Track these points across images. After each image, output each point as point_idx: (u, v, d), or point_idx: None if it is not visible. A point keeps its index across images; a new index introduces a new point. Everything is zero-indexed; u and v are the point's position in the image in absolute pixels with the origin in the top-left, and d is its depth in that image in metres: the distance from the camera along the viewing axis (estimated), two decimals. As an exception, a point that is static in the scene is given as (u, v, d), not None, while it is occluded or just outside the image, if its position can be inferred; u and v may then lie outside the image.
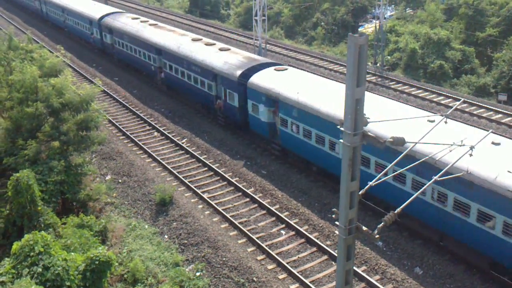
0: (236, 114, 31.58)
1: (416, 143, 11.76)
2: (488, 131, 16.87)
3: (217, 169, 28.19)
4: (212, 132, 33.55)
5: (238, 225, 22.93)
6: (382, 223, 9.74)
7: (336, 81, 34.31)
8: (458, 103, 14.36)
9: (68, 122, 25.04)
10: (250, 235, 22.14)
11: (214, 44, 37.26)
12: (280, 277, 19.69)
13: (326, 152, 24.49)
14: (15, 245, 16.43)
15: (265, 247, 21.27)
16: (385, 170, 10.91)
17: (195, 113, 36.96)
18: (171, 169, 28.51)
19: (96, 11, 53.21)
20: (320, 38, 59.39)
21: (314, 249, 21.36)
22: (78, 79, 44.11)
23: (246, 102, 30.36)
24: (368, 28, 59.54)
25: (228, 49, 35.62)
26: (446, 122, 19.92)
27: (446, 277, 19.30)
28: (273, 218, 23.67)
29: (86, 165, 26.07)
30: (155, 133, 34.24)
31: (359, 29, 60.11)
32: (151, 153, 30.77)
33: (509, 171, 17.31)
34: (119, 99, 40.34)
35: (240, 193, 25.98)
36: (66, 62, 38.69)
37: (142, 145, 31.92)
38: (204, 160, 29.37)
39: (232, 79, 31.17)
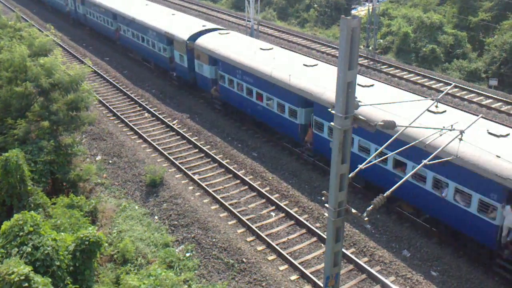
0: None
1: (407, 126, 11.81)
2: (478, 115, 16.99)
3: (208, 151, 28.17)
4: (204, 114, 33.44)
5: (229, 206, 23.00)
6: (371, 206, 9.81)
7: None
8: (449, 87, 14.40)
9: (58, 102, 24.81)
10: (240, 216, 22.23)
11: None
12: (270, 258, 19.85)
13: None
14: (4, 225, 16.37)
15: (255, 228, 21.39)
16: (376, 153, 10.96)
17: (187, 94, 36.77)
18: (162, 151, 28.45)
19: None
20: (312, 20, 59.02)
21: (304, 231, 21.51)
22: (68, 58, 43.65)
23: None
24: (361, 11, 59.29)
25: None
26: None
27: (433, 259, 19.54)
28: (263, 200, 23.77)
29: (76, 145, 25.95)
30: (146, 114, 34.07)
31: (352, 12, 59.81)
32: (142, 134, 30.65)
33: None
34: (109, 80, 40.01)
35: (230, 175, 26.02)
36: (56, 41, 38.23)
37: (133, 126, 31.77)
38: (195, 142, 29.32)
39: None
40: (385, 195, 9.88)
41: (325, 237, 12.77)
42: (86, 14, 52.15)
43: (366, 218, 9.85)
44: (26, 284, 14.10)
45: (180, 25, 37.12)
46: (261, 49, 30.34)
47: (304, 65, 27.22)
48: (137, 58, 44.14)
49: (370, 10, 46.41)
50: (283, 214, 22.67)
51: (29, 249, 15.77)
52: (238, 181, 25.48)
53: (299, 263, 19.37)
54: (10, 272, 14.17)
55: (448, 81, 37.66)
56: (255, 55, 29.35)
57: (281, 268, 19.33)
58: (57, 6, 61.58)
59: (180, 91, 37.33)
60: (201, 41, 33.21)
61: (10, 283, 14.01)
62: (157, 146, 28.98)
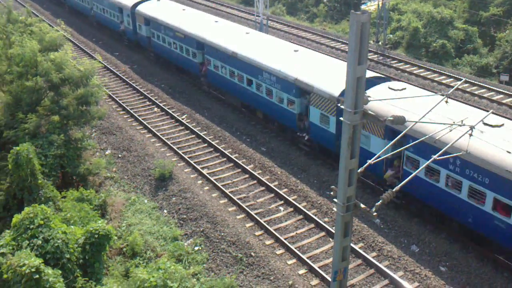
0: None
1: (417, 122, 11.78)
2: (488, 111, 16.86)
3: (216, 145, 28.24)
4: (212, 109, 33.49)
5: (237, 201, 23.07)
6: (380, 201, 9.82)
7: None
8: (459, 82, 14.32)
9: (68, 97, 24.99)
10: (249, 210, 22.30)
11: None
12: (278, 252, 19.91)
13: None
14: (15, 218, 16.57)
15: (263, 223, 21.44)
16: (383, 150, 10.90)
17: (196, 89, 36.83)
18: (171, 145, 28.56)
19: None
20: (322, 15, 58.85)
21: (312, 225, 21.54)
22: (78, 53, 43.84)
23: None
24: (371, 5, 58.92)
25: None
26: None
27: (442, 255, 19.51)
28: (272, 195, 23.81)
29: (86, 139, 26.13)
30: (155, 109, 34.18)
31: (362, 7, 59.47)
32: (151, 128, 30.78)
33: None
34: (119, 74, 40.16)
35: (239, 170, 26.07)
36: (66, 36, 38.38)
37: (142, 121, 31.90)
38: (204, 136, 29.40)
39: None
40: (394, 190, 9.88)
41: (334, 231, 12.77)
42: (151, 37, 41.14)
43: (375, 213, 9.85)
44: (37, 276, 14.30)
45: (318, 70, 26.19)
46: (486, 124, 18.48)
47: None
48: (234, 103, 33.47)
49: (380, 5, 46.17)
50: (291, 209, 22.70)
51: (40, 242, 15.97)
52: (247, 175, 25.53)
53: (308, 258, 19.41)
54: (21, 264, 14.38)
55: (458, 77, 37.42)
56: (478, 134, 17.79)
57: (289, 262, 19.38)
58: (108, 23, 50.27)
59: (189, 86, 37.37)
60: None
61: (22, 275, 14.22)
62: (166, 141, 29.09)
